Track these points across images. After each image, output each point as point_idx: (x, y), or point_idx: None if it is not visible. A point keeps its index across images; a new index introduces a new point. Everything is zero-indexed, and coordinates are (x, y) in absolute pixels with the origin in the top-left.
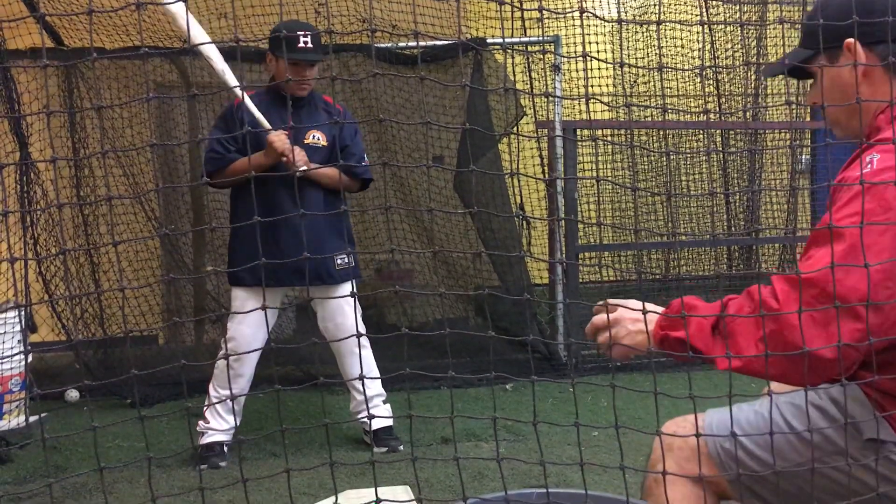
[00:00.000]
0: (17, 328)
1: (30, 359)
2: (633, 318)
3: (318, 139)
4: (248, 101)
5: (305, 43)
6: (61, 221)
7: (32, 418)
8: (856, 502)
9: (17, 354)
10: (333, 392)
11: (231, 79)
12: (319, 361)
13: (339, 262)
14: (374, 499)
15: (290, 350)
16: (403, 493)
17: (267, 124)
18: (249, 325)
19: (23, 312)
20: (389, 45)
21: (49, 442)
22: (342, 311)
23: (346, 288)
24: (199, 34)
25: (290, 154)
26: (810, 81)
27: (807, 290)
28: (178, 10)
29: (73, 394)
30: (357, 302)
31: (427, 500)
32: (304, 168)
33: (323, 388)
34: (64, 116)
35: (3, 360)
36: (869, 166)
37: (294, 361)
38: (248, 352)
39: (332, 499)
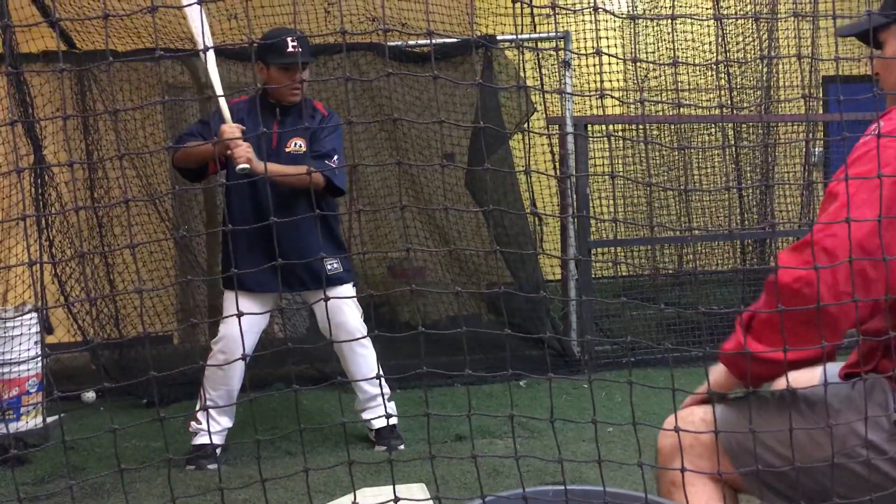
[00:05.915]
0: (34, 330)
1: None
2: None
3: (300, 146)
4: (223, 104)
5: (294, 47)
6: (78, 223)
7: (50, 419)
8: (878, 496)
9: (35, 358)
10: (348, 390)
11: (217, 87)
12: (335, 360)
13: (329, 266)
14: (391, 497)
15: (305, 349)
16: (419, 490)
17: (230, 119)
18: (238, 327)
19: (39, 315)
20: (399, 42)
21: (67, 443)
22: (340, 311)
23: (342, 290)
24: (208, 39)
25: (232, 148)
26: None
27: (805, 251)
28: (193, 11)
29: (89, 394)
30: (357, 303)
31: (444, 497)
32: (246, 166)
33: (339, 387)
34: (77, 119)
35: (21, 362)
36: (875, 127)
37: (308, 360)
38: (235, 360)
39: (348, 497)
